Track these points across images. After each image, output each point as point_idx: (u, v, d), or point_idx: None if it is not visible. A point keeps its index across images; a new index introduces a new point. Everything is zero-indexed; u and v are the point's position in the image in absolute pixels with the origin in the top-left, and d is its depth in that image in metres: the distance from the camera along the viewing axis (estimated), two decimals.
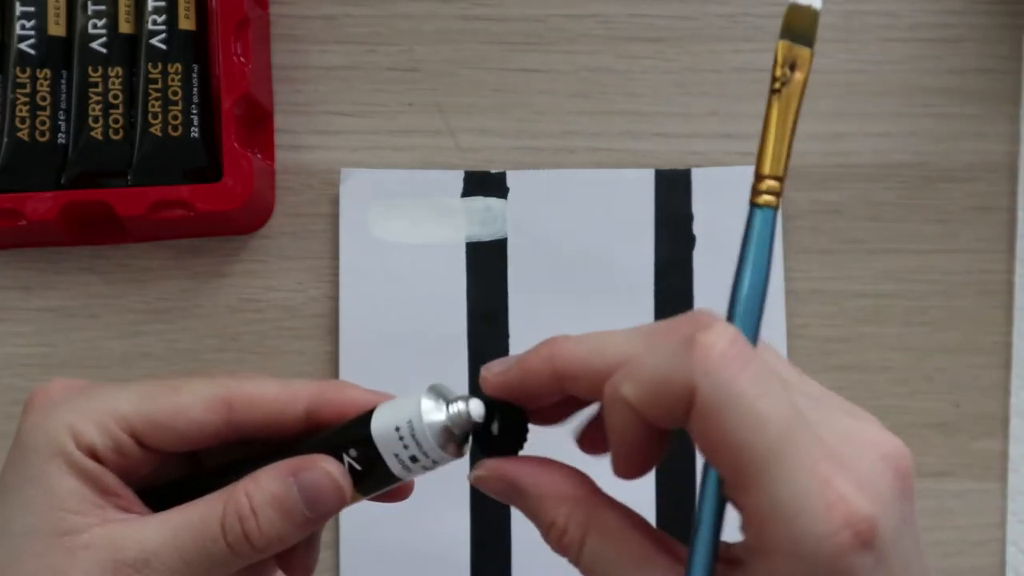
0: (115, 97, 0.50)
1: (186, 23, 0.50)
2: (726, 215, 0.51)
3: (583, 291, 0.51)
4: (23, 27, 0.50)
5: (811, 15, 0.31)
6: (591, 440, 0.35)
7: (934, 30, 0.53)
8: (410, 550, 0.50)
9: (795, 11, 0.32)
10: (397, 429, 0.34)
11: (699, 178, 0.52)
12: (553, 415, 0.35)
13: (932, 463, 0.51)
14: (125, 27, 0.50)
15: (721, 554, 0.30)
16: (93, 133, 0.49)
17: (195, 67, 0.50)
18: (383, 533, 0.50)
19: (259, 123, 0.51)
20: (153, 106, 0.49)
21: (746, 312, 0.31)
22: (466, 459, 0.35)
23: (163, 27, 0.50)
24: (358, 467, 0.35)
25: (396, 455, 0.34)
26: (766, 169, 0.32)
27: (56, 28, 0.50)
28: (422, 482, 0.36)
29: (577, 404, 0.35)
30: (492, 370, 0.34)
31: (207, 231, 0.51)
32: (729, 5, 0.53)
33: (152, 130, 0.49)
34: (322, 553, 0.39)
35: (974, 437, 0.51)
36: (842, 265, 0.52)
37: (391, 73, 0.52)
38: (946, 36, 0.53)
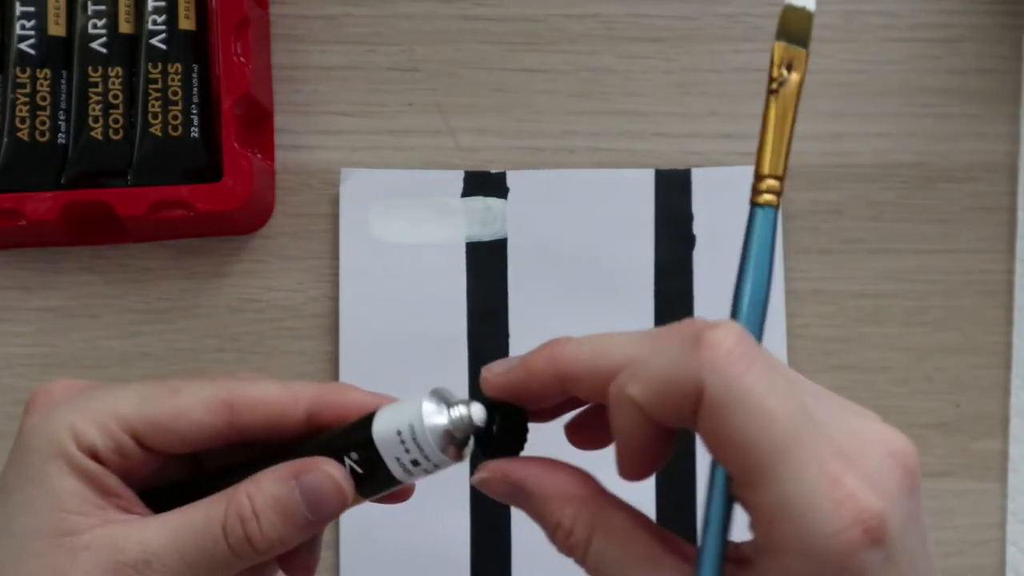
0: (115, 97, 0.50)
1: (186, 23, 0.50)
2: (726, 215, 0.51)
3: (583, 291, 0.51)
4: (23, 27, 0.50)
5: (806, 16, 0.32)
6: (581, 434, 0.35)
7: (934, 30, 0.53)
8: (410, 550, 0.50)
9: (790, 13, 0.32)
10: (399, 433, 0.34)
11: (699, 178, 0.52)
12: (551, 414, 0.35)
13: (932, 463, 0.51)
14: (125, 27, 0.50)
15: (729, 554, 0.30)
16: (93, 133, 0.49)
17: (195, 67, 0.50)
18: (383, 533, 0.50)
19: (259, 123, 0.51)
20: (153, 106, 0.49)
21: (750, 311, 0.31)
22: (466, 460, 0.35)
23: (163, 27, 0.50)
24: (359, 470, 0.35)
25: (398, 458, 0.34)
26: (766, 169, 0.32)
27: (56, 28, 0.50)
28: (422, 482, 0.36)
29: (578, 405, 0.35)
30: (493, 371, 0.34)
31: (207, 231, 0.51)
32: (729, 5, 0.53)
33: (152, 130, 0.49)
34: (322, 553, 0.39)
35: (974, 437, 0.51)
36: (842, 265, 0.52)
37: (391, 73, 0.52)
38: (946, 36, 0.53)
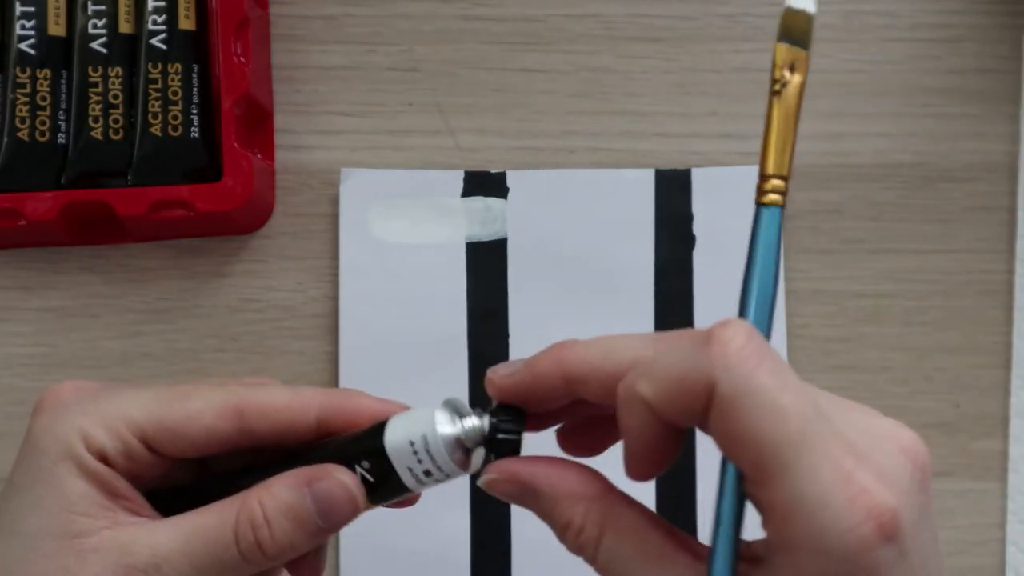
0: (115, 97, 0.50)
1: (186, 23, 0.50)
2: (726, 215, 0.51)
3: (583, 291, 0.51)
4: (23, 27, 0.50)
5: (807, 18, 0.32)
6: (573, 441, 0.35)
7: (934, 30, 0.53)
8: (410, 550, 0.50)
9: (791, 14, 0.32)
10: (411, 443, 0.34)
11: (699, 178, 0.52)
12: (548, 421, 0.35)
13: (932, 463, 0.51)
14: (125, 27, 0.50)
15: (742, 552, 0.30)
16: (93, 133, 0.49)
17: (195, 67, 0.50)
18: (383, 533, 0.50)
19: (259, 123, 0.51)
20: (153, 106, 0.49)
21: (758, 311, 0.31)
22: (477, 469, 0.35)
23: (163, 27, 0.50)
24: (370, 478, 0.35)
25: (410, 468, 0.34)
26: (770, 169, 0.32)
27: (56, 28, 0.50)
28: None
29: (579, 410, 0.34)
30: (499, 372, 0.34)
31: (207, 231, 0.51)
32: (729, 5, 0.53)
33: (152, 130, 0.49)
34: None
35: (974, 437, 0.51)
36: (842, 265, 0.52)
37: (391, 73, 0.52)
38: (946, 36, 0.53)
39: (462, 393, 0.50)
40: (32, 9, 0.50)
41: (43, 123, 0.49)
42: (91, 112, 0.49)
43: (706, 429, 0.29)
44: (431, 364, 0.51)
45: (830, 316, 0.52)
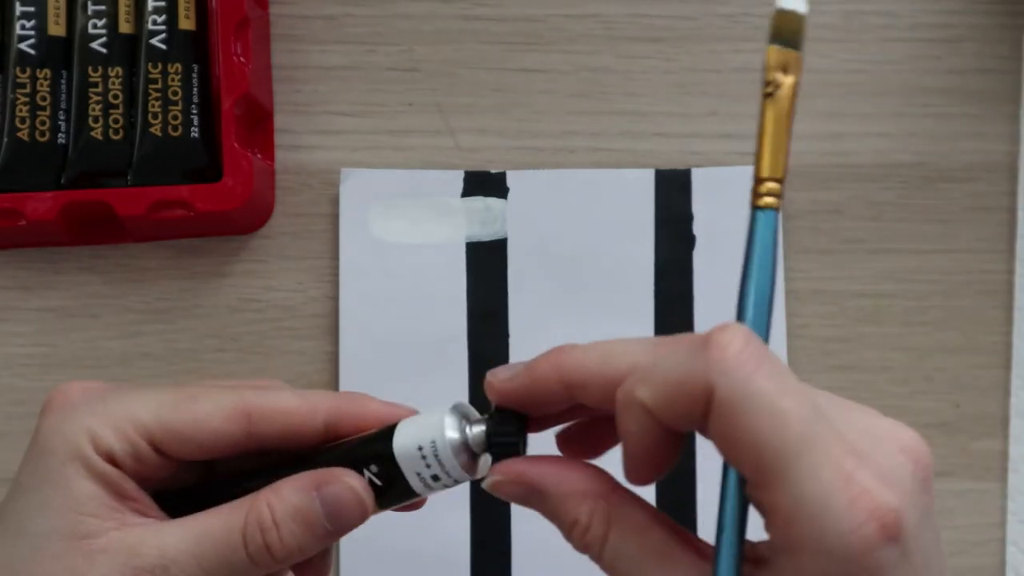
0: (115, 97, 0.50)
1: (186, 23, 0.50)
2: (726, 215, 0.51)
3: (583, 291, 0.51)
4: (23, 27, 0.50)
5: (798, 19, 0.32)
6: (572, 446, 0.35)
7: (934, 30, 0.53)
8: (410, 550, 0.50)
9: (782, 16, 0.32)
10: (420, 448, 0.34)
11: (699, 178, 0.52)
12: (548, 423, 0.35)
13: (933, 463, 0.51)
14: (125, 27, 0.50)
15: (746, 553, 0.30)
16: (93, 133, 0.49)
17: (195, 67, 0.50)
18: (383, 533, 0.50)
19: (259, 123, 0.51)
20: (153, 106, 0.49)
21: (756, 314, 0.31)
22: (484, 474, 0.35)
23: (163, 27, 0.50)
24: (378, 482, 0.35)
25: (418, 473, 0.34)
26: (765, 172, 0.32)
27: (56, 28, 0.50)
28: None
29: (578, 413, 0.34)
30: (498, 376, 0.34)
31: (207, 231, 0.51)
32: (729, 5, 0.53)
33: (152, 130, 0.49)
34: None
35: (974, 437, 0.51)
36: (842, 265, 0.52)
37: (391, 73, 0.52)
38: (946, 36, 0.53)
39: (462, 393, 0.50)
40: (32, 9, 0.50)
41: (43, 123, 0.49)
42: (91, 112, 0.49)
43: (706, 433, 0.29)
44: (431, 364, 0.51)
45: (830, 316, 0.52)
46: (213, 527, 0.34)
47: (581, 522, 0.32)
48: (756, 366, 0.28)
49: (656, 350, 0.31)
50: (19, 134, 0.49)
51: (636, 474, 0.31)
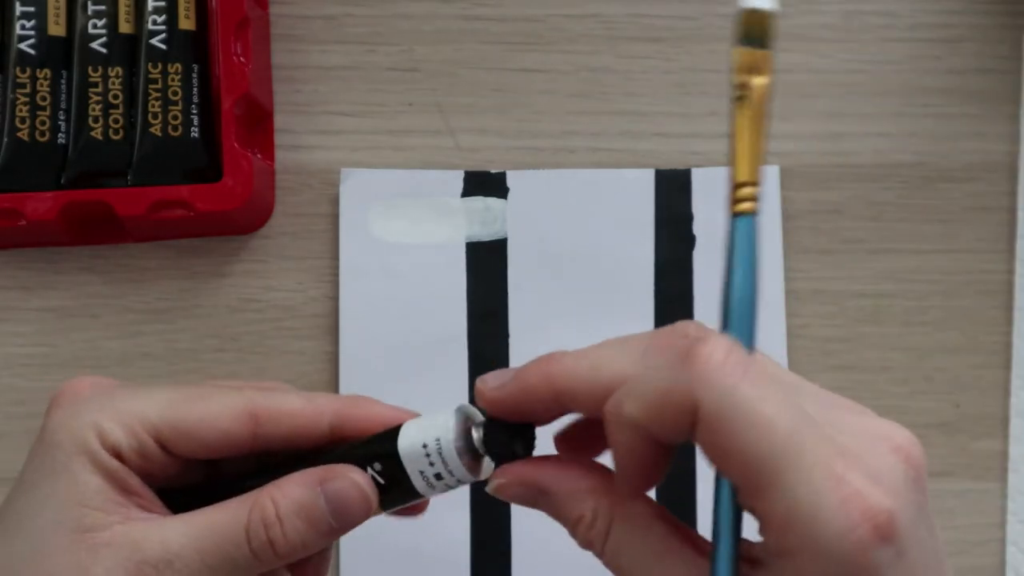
0: (115, 97, 0.50)
1: (186, 23, 0.50)
2: (725, 216, 0.51)
3: (583, 291, 0.51)
4: (23, 27, 0.50)
5: (765, 16, 0.31)
6: (572, 444, 0.35)
7: (934, 30, 0.53)
8: (410, 550, 0.50)
9: (748, 15, 0.31)
10: (424, 446, 0.34)
11: (699, 178, 0.52)
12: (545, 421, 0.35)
13: (932, 463, 0.50)
14: (125, 27, 0.50)
15: (743, 552, 0.30)
16: (93, 133, 0.49)
17: (195, 67, 0.50)
18: (383, 533, 0.50)
19: (259, 123, 0.51)
20: (153, 106, 0.49)
21: (740, 320, 0.30)
22: (486, 476, 0.35)
23: (163, 27, 0.50)
24: (381, 481, 0.35)
25: (421, 472, 0.34)
26: (741, 176, 0.31)
27: (56, 28, 0.50)
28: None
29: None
30: (488, 384, 0.34)
31: (207, 231, 0.51)
32: (729, 5, 0.52)
33: (152, 130, 0.49)
34: None
35: (974, 437, 0.51)
36: (842, 265, 0.52)
37: (391, 73, 0.52)
38: (946, 36, 0.53)
39: (462, 393, 0.50)
40: (32, 9, 0.50)
41: (43, 123, 0.49)
42: (91, 112, 0.49)
43: (696, 444, 0.29)
44: (431, 364, 0.51)
45: (830, 316, 0.52)
46: (216, 522, 0.34)
47: (586, 517, 0.32)
48: (740, 376, 0.28)
49: (644, 359, 0.31)
50: (19, 134, 0.49)
51: (629, 486, 0.32)
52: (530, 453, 0.34)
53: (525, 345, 0.51)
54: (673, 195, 0.51)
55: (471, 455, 0.34)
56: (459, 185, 0.52)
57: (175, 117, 0.49)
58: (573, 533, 0.33)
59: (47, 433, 0.35)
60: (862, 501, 0.28)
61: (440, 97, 0.52)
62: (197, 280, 0.51)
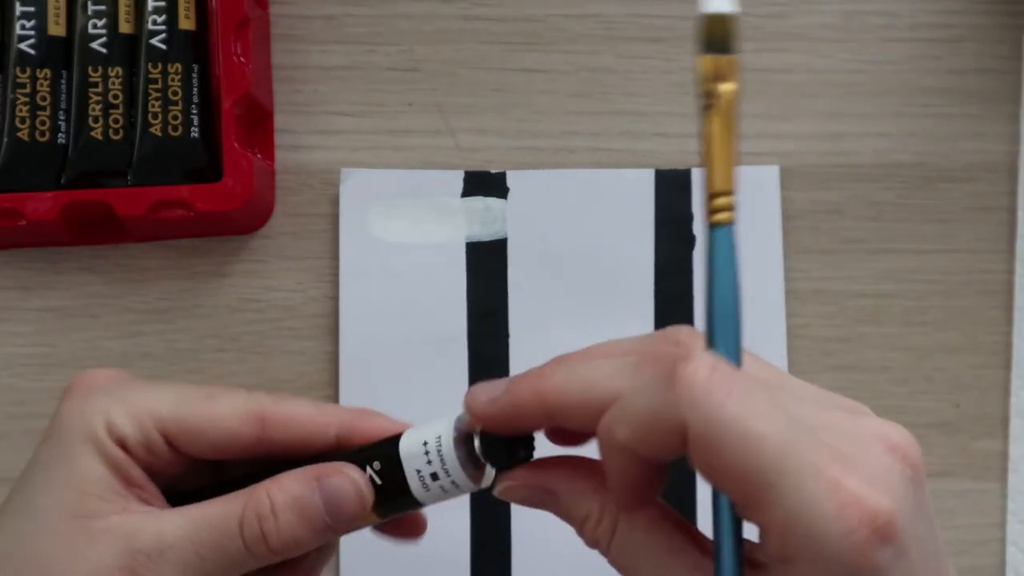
0: (115, 97, 0.50)
1: (186, 23, 0.50)
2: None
3: (583, 291, 0.51)
4: (23, 27, 0.50)
5: (726, 20, 0.30)
6: (561, 434, 0.35)
7: (934, 30, 0.53)
8: (410, 550, 0.50)
9: (709, 21, 0.30)
10: (424, 444, 0.34)
11: (699, 178, 0.52)
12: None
13: (932, 463, 0.51)
14: (125, 27, 0.50)
15: (745, 555, 0.30)
16: (93, 133, 0.49)
17: (195, 67, 0.50)
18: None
19: (259, 123, 0.51)
20: (153, 106, 0.49)
21: (723, 333, 0.30)
22: (484, 485, 0.35)
23: (163, 27, 0.50)
24: (378, 480, 0.35)
25: (418, 470, 0.34)
26: (716, 187, 0.30)
27: (56, 28, 0.50)
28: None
29: None
30: (479, 400, 0.34)
31: (207, 231, 0.51)
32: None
33: (152, 130, 0.49)
34: None
35: (974, 437, 0.51)
36: (842, 265, 0.52)
37: (391, 73, 0.52)
38: (946, 36, 0.53)
39: (462, 394, 0.50)
40: (32, 9, 0.50)
41: (43, 123, 0.49)
42: (91, 112, 0.49)
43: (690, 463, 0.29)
44: (431, 364, 0.50)
45: (830, 316, 0.52)
46: (211, 514, 0.35)
47: (593, 515, 0.32)
48: (726, 394, 0.28)
49: (635, 374, 0.30)
50: (19, 134, 0.49)
51: (628, 503, 0.32)
52: (531, 458, 0.34)
53: (525, 345, 0.51)
54: (673, 195, 0.51)
55: (473, 464, 0.34)
56: (459, 185, 0.52)
57: (175, 117, 0.49)
58: (580, 532, 0.33)
59: (58, 419, 0.36)
60: (860, 505, 0.28)
61: (440, 97, 0.52)
62: (197, 280, 0.51)
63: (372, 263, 0.51)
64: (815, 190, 0.52)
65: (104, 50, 0.50)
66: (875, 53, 0.53)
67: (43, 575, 0.34)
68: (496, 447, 0.34)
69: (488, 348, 0.51)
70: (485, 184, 0.52)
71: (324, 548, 0.38)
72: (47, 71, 0.50)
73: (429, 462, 0.34)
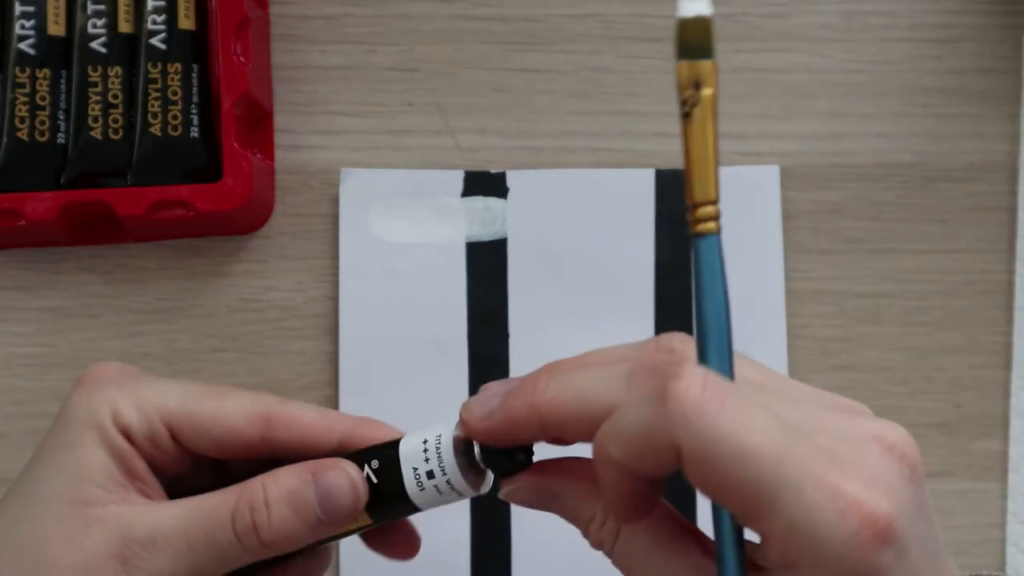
0: (115, 97, 0.50)
1: (186, 23, 0.50)
2: (726, 215, 0.51)
3: (583, 291, 0.51)
4: (23, 27, 0.50)
5: (703, 24, 0.29)
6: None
7: (934, 30, 0.53)
8: None
9: (686, 25, 0.29)
10: (424, 442, 0.34)
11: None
12: None
13: (932, 463, 0.51)
14: (125, 27, 0.50)
15: (747, 558, 0.30)
16: (93, 133, 0.49)
17: (195, 67, 0.50)
18: None
19: (259, 123, 0.51)
20: (153, 106, 0.49)
21: (714, 345, 0.30)
22: (483, 492, 0.35)
23: (163, 27, 0.50)
24: (375, 479, 0.35)
25: (415, 468, 0.34)
26: (697, 197, 0.29)
27: (56, 28, 0.50)
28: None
29: None
30: (474, 414, 0.34)
31: (207, 231, 0.51)
32: (729, 5, 0.53)
33: (152, 130, 0.49)
34: None
35: (974, 437, 0.51)
36: (842, 265, 0.52)
37: (391, 73, 0.52)
38: (946, 36, 0.53)
39: (462, 393, 0.50)
40: (32, 9, 0.50)
41: (43, 123, 0.49)
42: (91, 112, 0.49)
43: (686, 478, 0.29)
44: (431, 364, 0.50)
45: (830, 316, 0.52)
46: (205, 505, 0.35)
47: (597, 518, 0.33)
48: (718, 409, 0.27)
49: (629, 386, 0.30)
50: (19, 134, 0.49)
51: (625, 517, 0.32)
52: (530, 463, 0.34)
53: (525, 345, 0.51)
54: (673, 195, 0.51)
55: (474, 471, 0.34)
56: (459, 185, 0.52)
57: (175, 117, 0.49)
58: (584, 533, 0.33)
59: (65, 409, 0.36)
60: (860, 508, 0.28)
61: (440, 97, 0.52)
62: (197, 280, 0.51)
63: (372, 263, 0.51)
64: (815, 190, 0.52)
65: (104, 50, 0.50)
66: (875, 53, 0.53)
67: (38, 559, 0.34)
68: (495, 454, 0.34)
69: (488, 348, 0.51)
70: (485, 184, 0.52)
71: (317, 558, 0.38)
72: (47, 71, 0.50)
73: (427, 460, 0.34)
